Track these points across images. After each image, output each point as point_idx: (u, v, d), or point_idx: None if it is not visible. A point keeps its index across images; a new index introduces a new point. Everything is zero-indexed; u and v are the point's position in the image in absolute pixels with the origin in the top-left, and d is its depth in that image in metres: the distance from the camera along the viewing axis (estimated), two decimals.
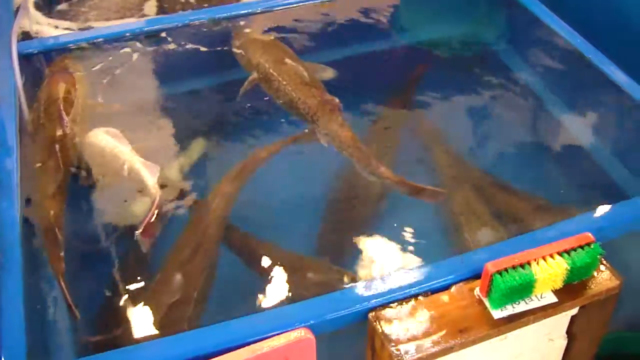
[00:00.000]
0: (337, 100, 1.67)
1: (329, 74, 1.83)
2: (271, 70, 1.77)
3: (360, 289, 1.18)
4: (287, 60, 1.78)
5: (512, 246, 1.24)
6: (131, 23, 2.03)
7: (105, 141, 1.62)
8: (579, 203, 1.56)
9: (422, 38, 2.11)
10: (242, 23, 2.06)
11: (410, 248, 1.51)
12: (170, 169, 1.70)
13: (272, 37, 1.98)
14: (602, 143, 1.76)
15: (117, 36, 1.95)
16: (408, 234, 1.54)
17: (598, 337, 1.35)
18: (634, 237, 1.40)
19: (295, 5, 2.11)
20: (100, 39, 1.92)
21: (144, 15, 2.16)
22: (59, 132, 1.59)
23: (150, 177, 1.55)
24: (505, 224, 1.58)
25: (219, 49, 2.00)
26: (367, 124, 1.83)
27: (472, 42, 2.10)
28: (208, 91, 2.00)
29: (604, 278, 1.23)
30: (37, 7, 2.09)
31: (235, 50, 1.94)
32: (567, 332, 1.32)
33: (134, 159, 1.58)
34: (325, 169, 1.73)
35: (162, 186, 1.57)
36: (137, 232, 1.48)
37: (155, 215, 1.51)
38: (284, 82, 1.72)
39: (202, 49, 2.00)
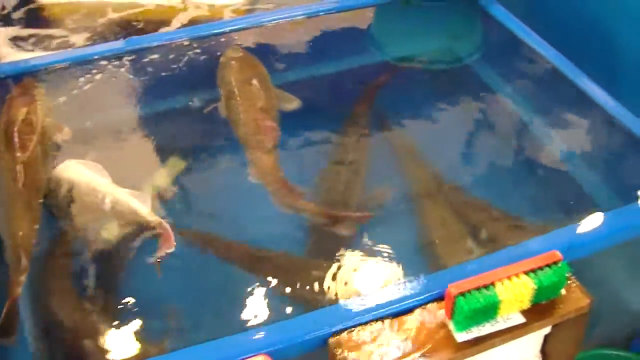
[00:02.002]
0: (276, 128, 1.65)
1: (293, 105, 1.80)
2: (235, 90, 1.75)
3: (320, 313, 1.15)
4: (254, 82, 1.76)
5: (478, 266, 1.22)
6: (102, 45, 2.02)
7: (79, 174, 1.58)
8: (554, 220, 1.53)
9: (397, 54, 2.09)
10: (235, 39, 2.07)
11: (382, 267, 1.48)
12: (145, 189, 1.66)
13: (251, 56, 1.96)
14: (577, 157, 1.73)
15: (89, 58, 1.94)
16: (381, 251, 1.51)
17: (572, 355, 1.32)
18: (607, 253, 1.37)
19: (277, 21, 2.10)
20: (71, 62, 1.91)
21: None
22: (18, 155, 1.56)
23: (143, 207, 1.50)
24: (480, 243, 1.55)
25: (193, 68, 1.99)
26: (333, 139, 1.80)
27: (447, 56, 2.08)
28: (184, 111, 1.97)
29: (573, 297, 1.20)
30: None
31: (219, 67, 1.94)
32: (542, 352, 1.29)
33: (118, 191, 1.54)
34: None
35: None
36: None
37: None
38: (239, 103, 1.71)
39: (176, 69, 1.99)
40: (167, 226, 1.45)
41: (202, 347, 1.11)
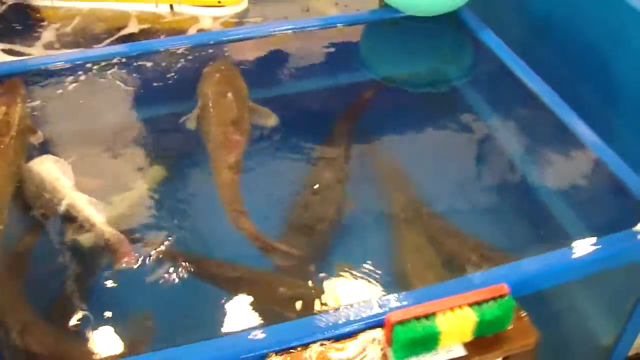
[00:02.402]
0: (243, 143, 1.65)
1: (271, 121, 1.80)
2: (209, 103, 1.76)
3: (257, 332, 1.14)
4: (229, 95, 1.77)
5: (425, 294, 1.20)
6: (92, 50, 2.04)
7: (48, 171, 1.60)
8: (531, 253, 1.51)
9: (383, 73, 2.08)
10: (224, 50, 2.07)
11: (346, 288, 1.46)
12: (119, 200, 1.66)
13: (233, 69, 1.96)
14: (557, 194, 1.70)
15: (78, 62, 1.95)
16: (349, 272, 1.49)
17: None
18: (561, 289, 1.35)
19: (265, 35, 2.10)
20: (59, 65, 1.93)
21: None
22: None
23: (97, 215, 1.51)
24: (453, 272, 1.52)
25: (182, 78, 1.99)
26: (311, 156, 1.80)
27: (434, 79, 2.07)
28: (168, 121, 1.97)
29: (519, 332, 1.18)
30: None
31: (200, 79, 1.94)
32: None
33: (76, 195, 1.55)
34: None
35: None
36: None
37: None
38: (211, 115, 1.71)
39: (165, 77, 1.99)
40: (125, 240, 1.45)
41: None
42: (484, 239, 1.58)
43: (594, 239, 1.35)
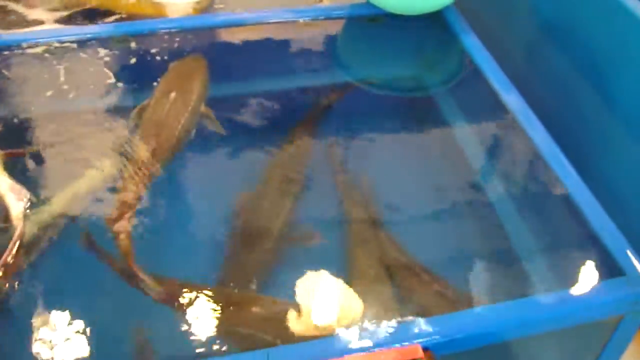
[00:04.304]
0: (158, 151, 1.53)
1: (219, 129, 1.70)
2: (153, 100, 1.66)
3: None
4: (172, 95, 1.65)
5: (330, 347, 1.10)
6: (63, 29, 1.95)
7: None
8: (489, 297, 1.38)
9: (357, 74, 1.95)
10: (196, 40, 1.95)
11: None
12: (53, 197, 1.54)
13: (199, 66, 1.83)
14: (524, 226, 1.55)
15: (41, 41, 1.85)
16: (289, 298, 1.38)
17: None
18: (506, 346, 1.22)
19: (239, 25, 1.97)
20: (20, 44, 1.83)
21: None
22: None
23: (15, 203, 1.42)
24: (404, 308, 1.40)
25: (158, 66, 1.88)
26: (262, 162, 1.69)
27: (407, 83, 1.93)
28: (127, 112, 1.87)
29: None
30: None
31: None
32: None
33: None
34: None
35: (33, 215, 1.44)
36: None
37: (16, 249, 1.36)
38: (146, 114, 1.62)
39: (135, 63, 1.89)
40: (17, 237, 1.35)
41: None
42: (440, 275, 1.44)
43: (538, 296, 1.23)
